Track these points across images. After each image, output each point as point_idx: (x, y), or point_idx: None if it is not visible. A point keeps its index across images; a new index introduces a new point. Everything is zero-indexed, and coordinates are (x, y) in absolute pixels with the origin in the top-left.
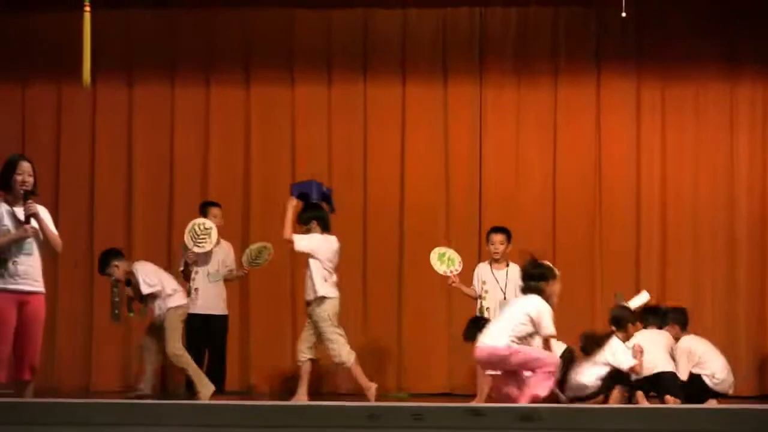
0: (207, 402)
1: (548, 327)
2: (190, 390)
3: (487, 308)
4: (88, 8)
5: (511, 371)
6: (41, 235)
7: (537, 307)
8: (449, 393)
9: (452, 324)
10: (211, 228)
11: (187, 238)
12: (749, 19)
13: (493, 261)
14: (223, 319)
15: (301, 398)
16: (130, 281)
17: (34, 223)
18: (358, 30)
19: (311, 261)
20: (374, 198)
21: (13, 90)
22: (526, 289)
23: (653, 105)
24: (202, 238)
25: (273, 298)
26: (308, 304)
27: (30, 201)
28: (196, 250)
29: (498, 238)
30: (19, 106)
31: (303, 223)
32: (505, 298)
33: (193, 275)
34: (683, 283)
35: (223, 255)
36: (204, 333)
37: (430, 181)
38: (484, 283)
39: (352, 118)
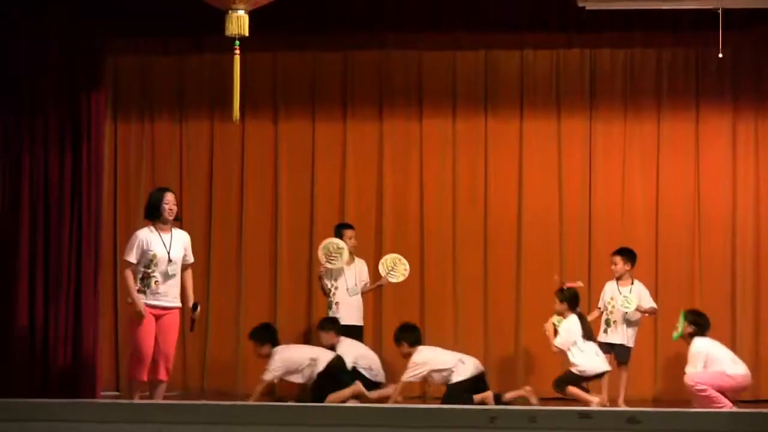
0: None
1: None
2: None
3: (614, 321)
4: (237, 51)
5: None
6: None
7: None
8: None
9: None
10: (343, 248)
11: (320, 254)
12: None
13: (618, 279)
14: (360, 329)
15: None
16: None
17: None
18: (480, 70)
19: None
20: (493, 222)
21: (171, 126)
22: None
23: (747, 139)
24: (335, 257)
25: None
26: None
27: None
28: (328, 266)
29: (617, 258)
30: (177, 140)
31: None
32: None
33: (333, 290)
34: None
35: (359, 271)
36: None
37: (545, 208)
38: (611, 299)
39: (474, 150)
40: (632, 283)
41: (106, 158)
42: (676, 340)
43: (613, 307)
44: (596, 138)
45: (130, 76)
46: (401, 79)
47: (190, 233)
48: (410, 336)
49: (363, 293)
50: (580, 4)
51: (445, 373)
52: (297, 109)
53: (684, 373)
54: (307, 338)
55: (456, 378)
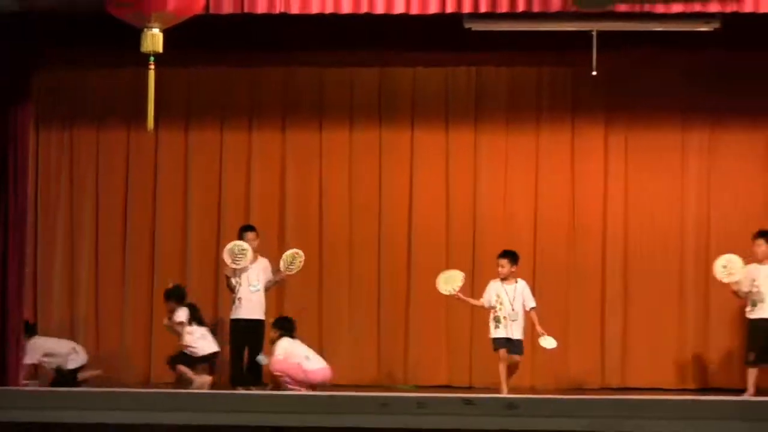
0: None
1: None
2: None
3: (504, 317)
4: (152, 66)
5: None
6: None
7: None
8: (448, 385)
9: (449, 329)
10: (246, 249)
11: (226, 257)
12: (699, 77)
13: (502, 279)
14: (262, 323)
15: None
16: None
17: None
18: (375, 86)
19: None
20: (386, 227)
21: (89, 134)
22: None
23: (618, 151)
24: (239, 257)
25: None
26: None
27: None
28: (233, 266)
29: (504, 261)
30: (95, 149)
31: None
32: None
33: (237, 287)
34: (642, 299)
35: (261, 269)
36: (245, 334)
37: (433, 214)
38: (498, 296)
39: (370, 159)
40: (516, 282)
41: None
42: None
43: (500, 304)
44: (481, 149)
45: (54, 89)
46: (304, 93)
47: (106, 237)
48: None
49: (266, 289)
50: (467, 26)
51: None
52: (207, 121)
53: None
54: (214, 332)
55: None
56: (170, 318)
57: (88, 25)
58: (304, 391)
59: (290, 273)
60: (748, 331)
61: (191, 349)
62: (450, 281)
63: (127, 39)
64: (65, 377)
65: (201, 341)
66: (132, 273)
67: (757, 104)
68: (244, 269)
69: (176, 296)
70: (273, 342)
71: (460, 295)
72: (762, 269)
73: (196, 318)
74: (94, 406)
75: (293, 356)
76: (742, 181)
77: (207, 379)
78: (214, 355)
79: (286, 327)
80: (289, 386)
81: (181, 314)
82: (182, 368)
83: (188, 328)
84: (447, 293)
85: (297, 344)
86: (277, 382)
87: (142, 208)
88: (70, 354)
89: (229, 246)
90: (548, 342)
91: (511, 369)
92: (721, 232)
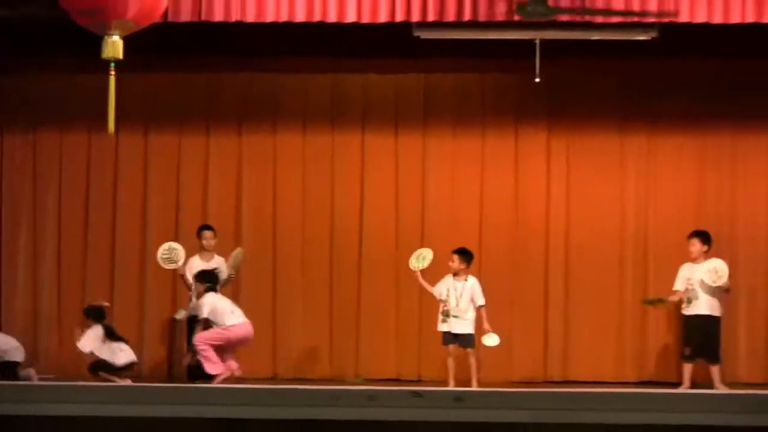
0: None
1: None
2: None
3: (449, 312)
4: (113, 72)
5: None
6: None
7: None
8: (397, 379)
9: (398, 325)
10: (175, 248)
11: (160, 261)
12: (637, 84)
13: (454, 275)
14: None
15: None
16: None
17: None
18: (328, 91)
19: None
20: (339, 227)
21: (52, 137)
22: None
23: (559, 153)
24: (170, 257)
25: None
26: None
27: None
28: (170, 266)
29: (456, 257)
30: (57, 152)
31: None
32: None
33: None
34: (583, 296)
35: (217, 267)
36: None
37: (384, 215)
38: (448, 290)
39: (322, 162)
40: (465, 280)
41: None
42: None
43: (449, 299)
44: (429, 153)
45: (18, 94)
46: (259, 98)
47: (68, 235)
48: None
49: (221, 287)
50: (416, 34)
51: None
52: (166, 124)
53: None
54: (172, 330)
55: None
56: (81, 333)
57: (50, 32)
58: (224, 370)
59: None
60: (683, 327)
61: (109, 362)
62: (420, 259)
63: (88, 46)
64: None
65: (119, 353)
66: (92, 272)
67: (691, 110)
68: (199, 268)
69: (94, 315)
70: (200, 296)
71: (419, 276)
72: (695, 268)
73: (111, 335)
74: (39, 399)
75: (218, 311)
76: (677, 182)
77: (128, 382)
78: (131, 364)
79: (212, 281)
80: (208, 362)
81: (86, 341)
82: (103, 374)
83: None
84: (412, 269)
85: (221, 298)
86: (197, 357)
87: (103, 209)
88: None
89: (159, 252)
90: (491, 340)
91: (460, 360)
92: (658, 231)
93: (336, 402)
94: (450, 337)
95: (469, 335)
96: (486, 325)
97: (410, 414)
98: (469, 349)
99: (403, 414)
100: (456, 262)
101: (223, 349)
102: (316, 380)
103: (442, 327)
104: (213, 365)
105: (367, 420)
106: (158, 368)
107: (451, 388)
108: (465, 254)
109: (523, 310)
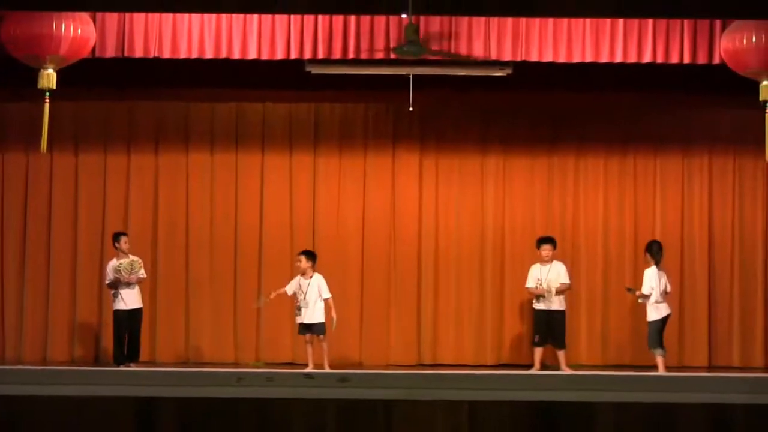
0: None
1: None
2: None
3: (303, 308)
4: (47, 100)
5: None
6: None
7: None
8: (292, 362)
9: (292, 316)
10: (134, 261)
11: (123, 270)
12: (495, 113)
13: (302, 274)
14: (140, 310)
15: None
16: None
17: None
18: (232, 118)
19: None
20: (242, 232)
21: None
22: None
23: (430, 170)
24: (132, 269)
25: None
26: None
27: None
28: (131, 278)
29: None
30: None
31: None
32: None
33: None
34: (450, 291)
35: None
36: (126, 321)
37: (279, 222)
38: (300, 288)
39: (227, 179)
40: (311, 277)
41: None
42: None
43: (300, 294)
44: (319, 171)
45: None
46: (173, 123)
47: (9, 245)
48: None
49: (138, 283)
50: (308, 69)
51: None
52: (93, 145)
53: None
54: (99, 323)
55: None
56: None
57: None
58: None
59: (138, 276)
60: (533, 318)
61: None
62: (259, 300)
63: (25, 77)
64: None
65: None
66: (29, 276)
67: (540, 135)
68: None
69: None
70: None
71: (273, 294)
72: (543, 269)
73: None
74: None
75: None
76: (528, 196)
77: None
78: None
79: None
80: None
81: None
82: None
83: None
84: (258, 306)
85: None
86: None
87: (39, 219)
88: None
89: (125, 263)
90: (335, 325)
91: (317, 346)
92: (515, 237)
93: (240, 382)
94: (303, 328)
95: (319, 324)
96: (333, 315)
97: (303, 392)
98: (320, 336)
99: (297, 392)
100: (303, 262)
101: None
102: (222, 364)
103: (297, 319)
104: None
105: (266, 397)
106: (87, 356)
107: (309, 370)
108: (310, 255)
109: (399, 304)
